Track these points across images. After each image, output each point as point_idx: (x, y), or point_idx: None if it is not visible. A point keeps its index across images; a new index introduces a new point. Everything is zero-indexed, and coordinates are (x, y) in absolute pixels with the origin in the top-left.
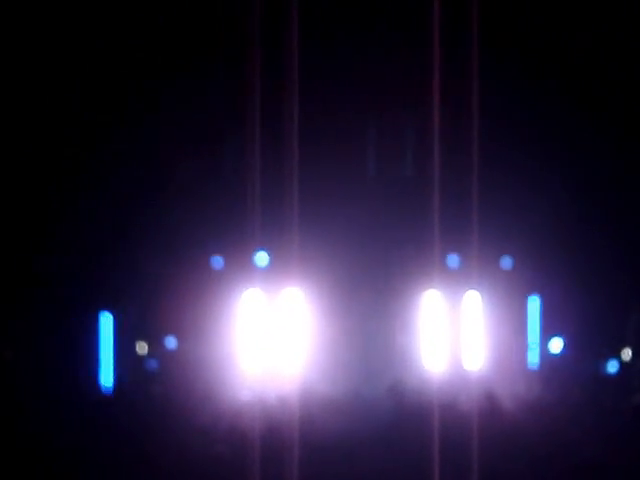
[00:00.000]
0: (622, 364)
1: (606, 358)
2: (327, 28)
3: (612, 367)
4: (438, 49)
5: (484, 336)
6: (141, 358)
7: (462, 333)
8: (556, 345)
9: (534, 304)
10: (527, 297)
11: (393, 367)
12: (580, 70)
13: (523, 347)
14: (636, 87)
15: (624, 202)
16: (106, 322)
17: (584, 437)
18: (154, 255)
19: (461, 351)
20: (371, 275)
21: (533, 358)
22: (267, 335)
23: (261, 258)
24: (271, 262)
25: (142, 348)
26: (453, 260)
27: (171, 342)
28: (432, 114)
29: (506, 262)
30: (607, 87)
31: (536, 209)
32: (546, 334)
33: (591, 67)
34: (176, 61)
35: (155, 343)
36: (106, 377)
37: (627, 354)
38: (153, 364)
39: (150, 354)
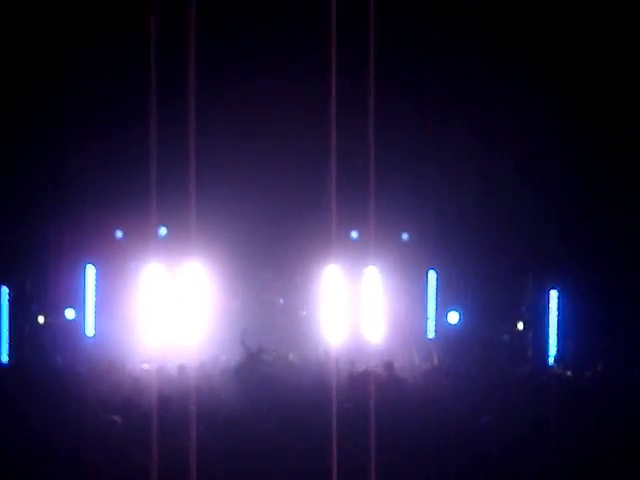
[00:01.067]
0: (514, 335)
1: (500, 330)
2: None
3: (505, 338)
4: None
5: (383, 309)
6: (39, 328)
7: (362, 306)
8: (453, 317)
9: (432, 278)
10: (425, 271)
11: (294, 339)
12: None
13: (421, 319)
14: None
15: (520, 178)
16: (3, 294)
17: (479, 403)
18: (54, 228)
19: (361, 323)
20: (272, 250)
21: (431, 329)
22: (167, 307)
23: (161, 232)
24: (171, 236)
25: (41, 319)
26: (353, 236)
27: (70, 313)
28: (331, 94)
29: (405, 238)
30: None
31: (434, 186)
32: (443, 307)
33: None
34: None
35: (53, 315)
36: (3, 348)
37: (519, 326)
38: (52, 334)
39: (49, 324)
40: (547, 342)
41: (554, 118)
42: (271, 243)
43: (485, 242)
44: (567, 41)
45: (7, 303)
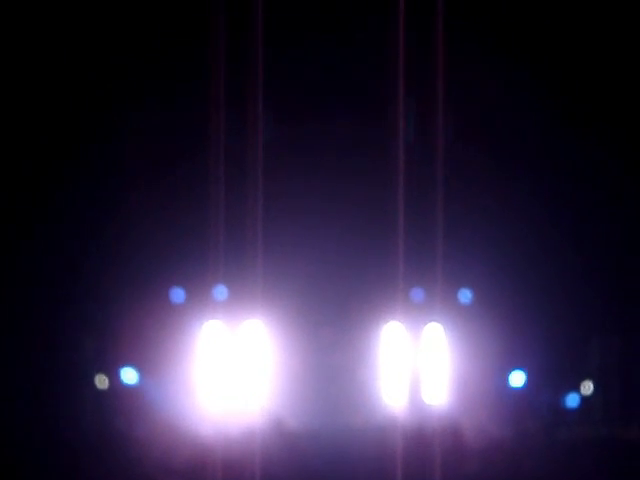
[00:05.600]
0: (583, 397)
1: (567, 391)
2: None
3: (573, 400)
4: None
5: (446, 369)
6: (100, 391)
7: (424, 366)
8: (517, 379)
9: (495, 338)
10: (488, 331)
11: (355, 401)
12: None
13: (484, 381)
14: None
15: (583, 236)
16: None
17: (545, 471)
18: (113, 288)
19: (422, 384)
20: (333, 307)
21: (494, 392)
22: (228, 368)
23: (221, 290)
24: (231, 294)
25: (102, 382)
26: (415, 292)
27: (131, 376)
28: (395, 151)
29: (467, 295)
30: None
31: (497, 243)
32: (507, 368)
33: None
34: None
35: (115, 377)
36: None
37: (588, 387)
38: (112, 397)
39: (109, 387)
40: (618, 404)
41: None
42: (331, 300)
43: (550, 301)
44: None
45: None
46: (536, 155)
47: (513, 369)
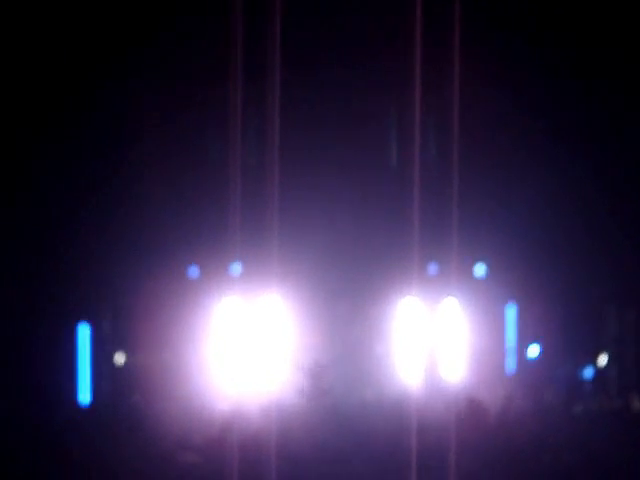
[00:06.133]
0: (598, 369)
1: (583, 364)
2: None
3: (588, 372)
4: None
5: (462, 342)
6: (119, 369)
7: (440, 339)
8: (533, 351)
9: (511, 310)
10: (504, 303)
11: (372, 375)
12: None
13: (501, 353)
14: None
15: (598, 209)
16: (84, 333)
17: (561, 442)
18: (131, 266)
19: (439, 357)
20: (349, 282)
21: (511, 364)
22: (245, 343)
23: (237, 266)
24: (248, 270)
25: (120, 359)
26: (431, 267)
27: (149, 352)
28: (411, 127)
29: (483, 269)
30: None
31: (513, 217)
32: (524, 340)
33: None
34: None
35: (133, 353)
36: (84, 388)
37: (603, 359)
38: (131, 374)
39: (128, 364)
40: (633, 376)
41: None
42: (348, 275)
43: (567, 273)
44: None
45: (87, 343)
46: (553, 126)
47: (529, 342)
